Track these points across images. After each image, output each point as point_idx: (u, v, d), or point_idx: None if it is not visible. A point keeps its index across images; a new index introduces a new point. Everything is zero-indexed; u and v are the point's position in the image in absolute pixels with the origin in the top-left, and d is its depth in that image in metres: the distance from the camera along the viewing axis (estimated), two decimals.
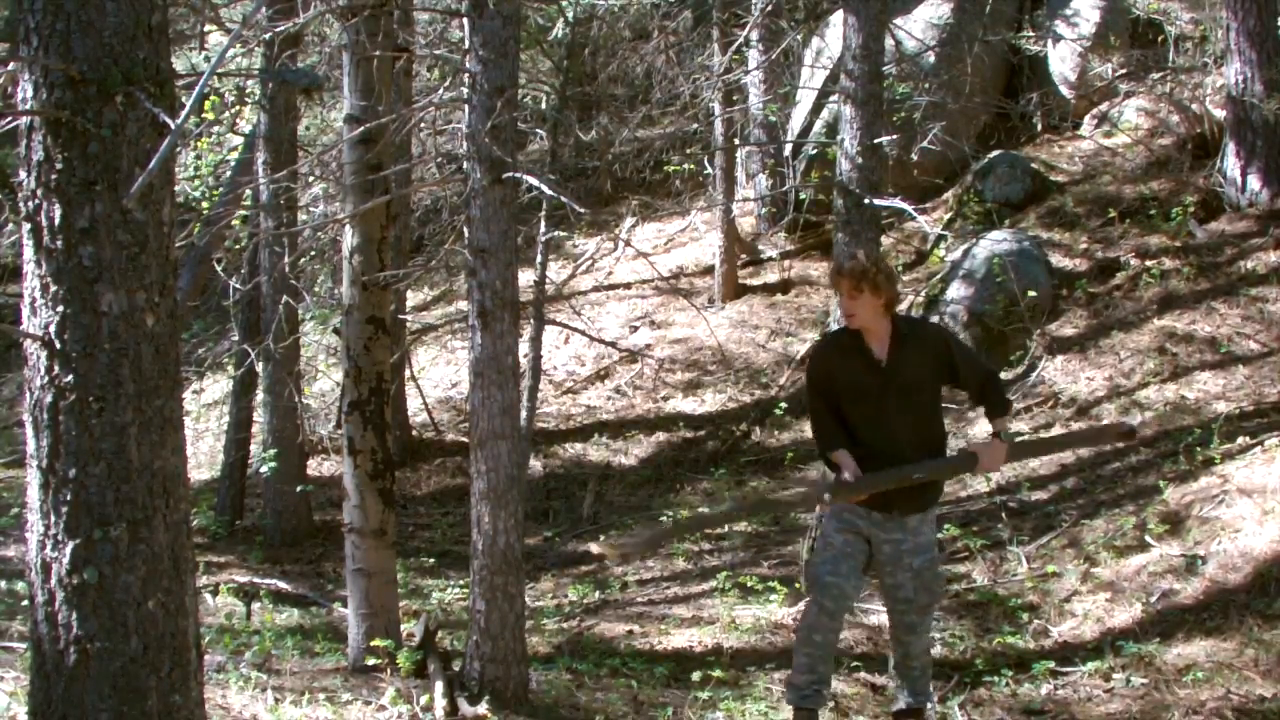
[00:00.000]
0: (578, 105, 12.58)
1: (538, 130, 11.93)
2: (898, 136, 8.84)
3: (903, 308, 9.92)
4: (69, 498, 3.00)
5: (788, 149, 11.32)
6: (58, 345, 2.99)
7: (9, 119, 3.10)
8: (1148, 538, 6.24)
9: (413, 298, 12.53)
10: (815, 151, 10.88)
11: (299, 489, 8.59)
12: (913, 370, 4.32)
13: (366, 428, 5.14)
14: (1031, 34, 11.79)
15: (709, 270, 11.65)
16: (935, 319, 9.51)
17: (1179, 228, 9.45)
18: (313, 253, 9.99)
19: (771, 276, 11.51)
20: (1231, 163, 9.48)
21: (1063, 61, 11.44)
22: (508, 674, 4.77)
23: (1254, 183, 9.38)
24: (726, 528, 7.87)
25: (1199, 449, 6.88)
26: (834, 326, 7.44)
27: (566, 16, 9.34)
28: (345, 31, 5.19)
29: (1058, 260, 9.66)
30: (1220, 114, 10.03)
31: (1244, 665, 4.97)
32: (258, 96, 8.82)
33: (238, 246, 9.31)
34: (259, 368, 8.37)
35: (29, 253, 3.02)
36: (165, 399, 3.11)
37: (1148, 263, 9.17)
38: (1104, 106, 11.28)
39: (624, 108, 12.71)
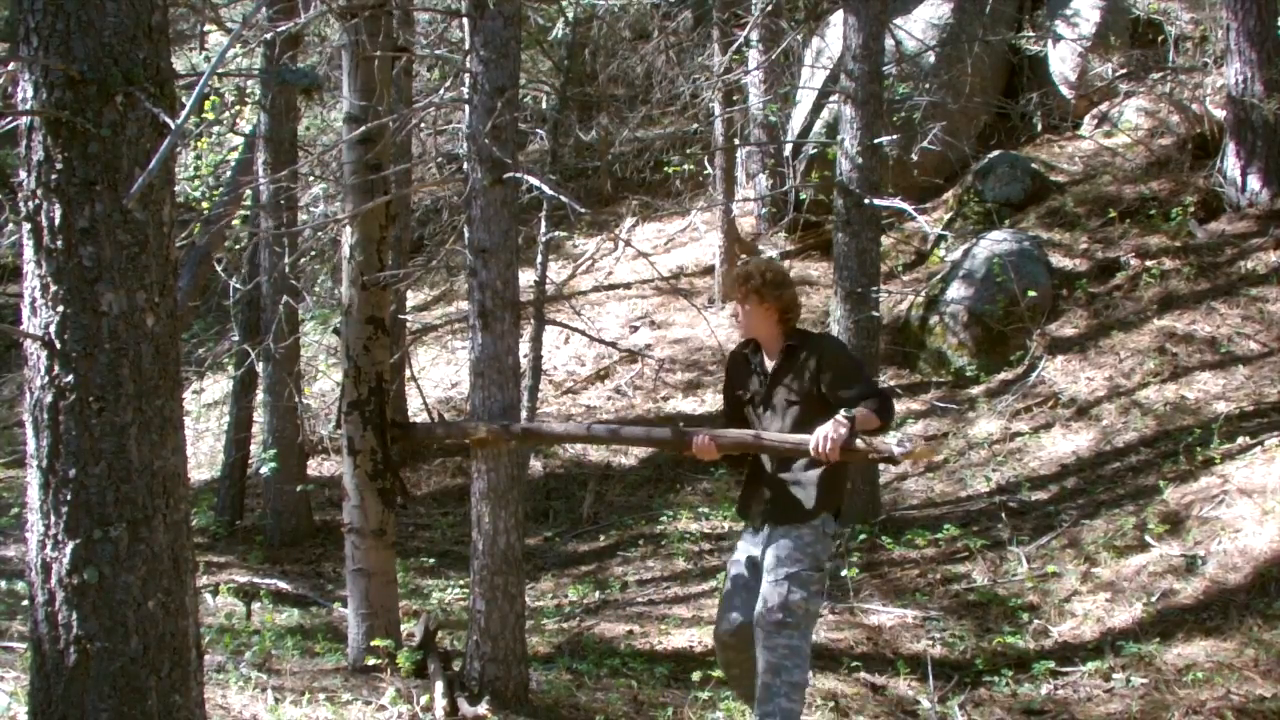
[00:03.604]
0: (578, 105, 12.59)
1: (538, 130, 11.93)
2: (898, 136, 8.84)
3: (903, 308, 9.97)
4: (69, 498, 3.00)
5: (788, 149, 11.32)
6: (58, 345, 2.99)
7: (9, 119, 3.10)
8: (1148, 538, 6.24)
9: (413, 298, 12.53)
10: (815, 151, 10.88)
11: (299, 489, 8.59)
12: (791, 382, 4.20)
13: (366, 428, 5.13)
14: (1031, 34, 11.80)
15: (709, 270, 11.65)
16: (935, 319, 9.52)
17: (1179, 228, 9.45)
18: (313, 253, 9.98)
19: None
20: (1231, 163, 9.49)
21: (1063, 61, 11.44)
22: (508, 674, 4.77)
23: (1254, 183, 9.38)
24: (727, 527, 7.87)
25: (1199, 449, 6.88)
26: (833, 328, 7.45)
27: (566, 16, 9.34)
28: (345, 31, 5.19)
29: (1058, 260, 9.66)
30: (1220, 114, 10.03)
31: (1244, 665, 4.97)
32: (258, 96, 8.82)
33: (238, 246, 9.30)
34: (259, 368, 8.37)
35: (29, 253, 3.02)
36: (165, 399, 3.11)
37: (1148, 263, 9.17)
38: (1104, 106, 11.28)
39: (624, 108, 12.73)
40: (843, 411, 3.95)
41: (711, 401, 9.88)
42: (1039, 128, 11.50)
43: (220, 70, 7.30)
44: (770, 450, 4.19)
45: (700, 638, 5.98)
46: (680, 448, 4.38)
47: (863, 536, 7.16)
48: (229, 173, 10.03)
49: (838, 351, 4.32)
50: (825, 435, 3.90)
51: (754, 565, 4.24)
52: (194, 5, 7.24)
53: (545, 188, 4.86)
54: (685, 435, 4.30)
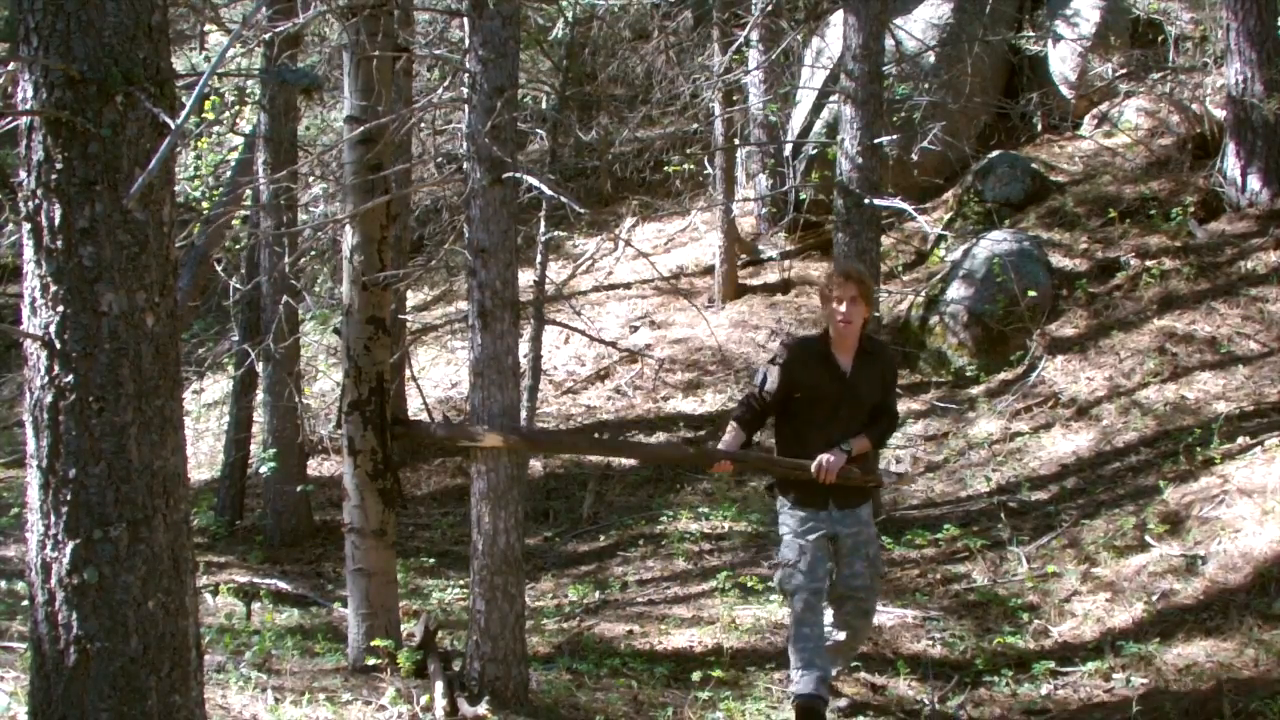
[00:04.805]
0: (578, 105, 12.57)
1: (538, 130, 11.92)
2: (898, 136, 8.83)
3: (903, 308, 9.98)
4: (69, 498, 3.00)
5: (788, 149, 11.32)
6: (58, 345, 2.99)
7: (9, 119, 3.10)
8: (1148, 538, 6.25)
9: (413, 298, 12.53)
10: (815, 151, 10.88)
11: (299, 489, 8.58)
12: (867, 386, 4.74)
13: (366, 428, 5.14)
14: (1031, 34, 11.79)
15: (709, 270, 11.65)
16: (935, 319, 9.53)
17: (1179, 228, 9.45)
18: (313, 253, 9.98)
19: (771, 276, 11.51)
20: (1231, 163, 9.48)
21: (1063, 61, 11.44)
22: (508, 674, 4.77)
23: (1254, 183, 9.38)
24: (727, 527, 7.88)
25: (1199, 449, 6.88)
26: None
27: (566, 16, 9.34)
28: (345, 31, 5.19)
29: (1058, 260, 9.66)
30: (1220, 114, 10.03)
31: (1244, 665, 4.97)
32: (258, 96, 8.82)
33: (238, 246, 9.30)
34: (259, 368, 8.36)
35: (29, 253, 3.03)
36: (165, 399, 3.11)
37: (1148, 263, 9.17)
38: (1104, 106, 11.28)
39: (624, 108, 12.72)
40: (841, 445, 4.65)
41: (711, 401, 9.88)
42: (1039, 128, 11.50)
43: (220, 70, 7.30)
44: (772, 470, 4.86)
45: (700, 638, 5.98)
46: (703, 464, 5.36)
47: None
48: (229, 173, 10.03)
49: (895, 367, 5.12)
50: (825, 464, 4.61)
51: (826, 541, 4.71)
52: (194, 5, 7.25)
53: (545, 188, 4.86)
54: (709, 456, 5.13)
